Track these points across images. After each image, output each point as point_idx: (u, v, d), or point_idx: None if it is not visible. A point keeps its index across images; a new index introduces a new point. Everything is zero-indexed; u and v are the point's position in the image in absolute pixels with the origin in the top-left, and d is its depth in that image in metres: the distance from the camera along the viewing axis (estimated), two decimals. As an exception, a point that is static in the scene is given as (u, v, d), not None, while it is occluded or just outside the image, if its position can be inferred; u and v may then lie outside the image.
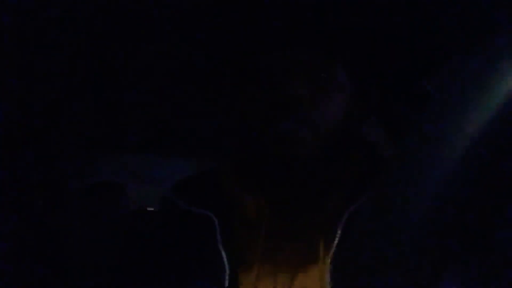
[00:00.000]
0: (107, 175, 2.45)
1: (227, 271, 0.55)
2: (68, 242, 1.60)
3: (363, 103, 0.63)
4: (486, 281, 0.37)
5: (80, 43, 1.00)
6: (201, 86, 1.01)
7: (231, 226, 0.60)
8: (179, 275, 0.58)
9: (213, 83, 0.68)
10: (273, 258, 0.57)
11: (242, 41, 0.59)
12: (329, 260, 0.52)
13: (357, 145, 0.65)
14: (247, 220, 0.60)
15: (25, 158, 1.56)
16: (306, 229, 0.59)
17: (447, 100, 0.34)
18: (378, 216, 0.37)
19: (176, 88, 1.21)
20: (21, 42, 0.96)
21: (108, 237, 1.71)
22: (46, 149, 1.75)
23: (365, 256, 0.37)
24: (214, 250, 0.57)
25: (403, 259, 0.34)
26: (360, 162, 0.62)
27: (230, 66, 0.65)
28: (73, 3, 0.72)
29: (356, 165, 0.61)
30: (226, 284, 0.55)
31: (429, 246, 0.34)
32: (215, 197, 0.63)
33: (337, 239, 0.53)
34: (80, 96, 1.44)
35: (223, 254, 0.56)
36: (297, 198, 0.61)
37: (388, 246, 0.35)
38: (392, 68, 0.68)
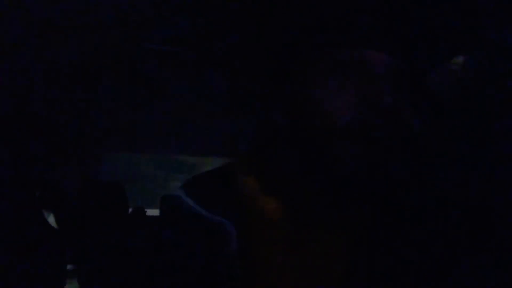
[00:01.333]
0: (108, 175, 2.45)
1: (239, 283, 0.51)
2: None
3: None
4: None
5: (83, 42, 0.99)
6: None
7: (248, 234, 0.55)
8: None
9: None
10: (297, 269, 0.53)
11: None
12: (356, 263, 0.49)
13: None
14: (269, 228, 0.55)
15: (25, 158, 1.55)
16: (334, 236, 0.56)
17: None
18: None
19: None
20: (20, 45, 0.96)
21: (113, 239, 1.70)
22: (45, 149, 1.74)
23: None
24: (228, 262, 0.53)
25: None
26: None
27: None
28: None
29: None
30: None
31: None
32: (230, 199, 0.58)
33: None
34: (83, 97, 1.44)
35: (236, 265, 0.52)
36: (330, 204, 0.57)
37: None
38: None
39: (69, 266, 1.66)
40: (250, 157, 0.63)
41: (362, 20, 0.51)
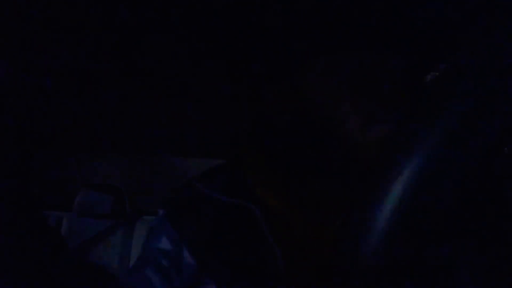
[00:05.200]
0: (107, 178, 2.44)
1: (281, 262, 0.54)
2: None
3: None
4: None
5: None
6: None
7: (269, 216, 0.58)
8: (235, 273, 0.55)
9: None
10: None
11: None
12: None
13: None
14: (279, 213, 0.59)
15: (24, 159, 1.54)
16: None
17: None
18: None
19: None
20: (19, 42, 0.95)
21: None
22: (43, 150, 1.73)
23: None
24: (262, 242, 0.55)
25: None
26: None
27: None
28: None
29: None
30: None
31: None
32: (247, 186, 0.61)
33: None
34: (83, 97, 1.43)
35: (274, 246, 0.55)
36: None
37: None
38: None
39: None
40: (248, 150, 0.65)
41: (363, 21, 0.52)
